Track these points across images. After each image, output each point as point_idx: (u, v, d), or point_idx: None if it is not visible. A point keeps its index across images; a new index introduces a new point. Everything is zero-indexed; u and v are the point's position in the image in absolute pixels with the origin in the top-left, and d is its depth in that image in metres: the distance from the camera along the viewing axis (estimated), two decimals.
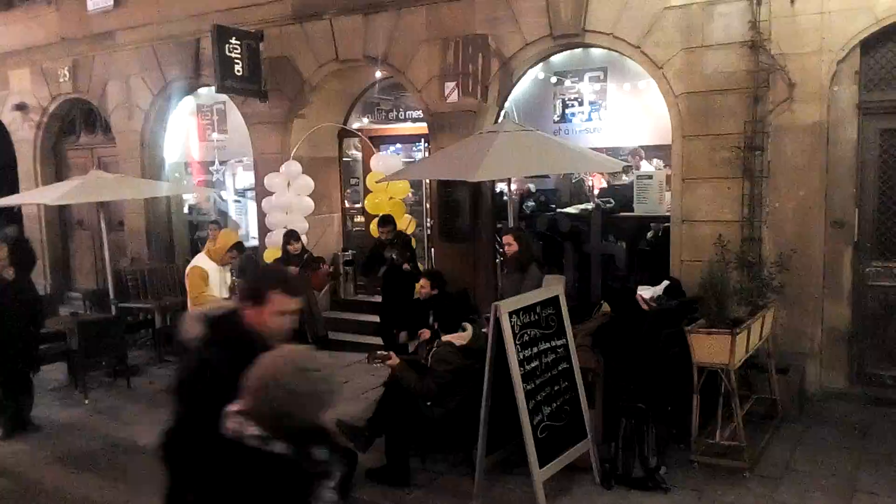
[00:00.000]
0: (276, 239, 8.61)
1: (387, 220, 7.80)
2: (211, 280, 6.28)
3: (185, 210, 11.47)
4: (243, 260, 6.75)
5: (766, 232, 6.63)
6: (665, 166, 8.03)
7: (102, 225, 8.80)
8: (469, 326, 5.38)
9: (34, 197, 10.31)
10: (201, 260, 6.40)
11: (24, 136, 12.41)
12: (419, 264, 8.42)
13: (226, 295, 6.39)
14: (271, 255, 8.59)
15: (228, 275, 6.48)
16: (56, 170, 12.44)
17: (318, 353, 2.24)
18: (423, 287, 6.53)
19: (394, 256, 7.42)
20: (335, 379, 2.17)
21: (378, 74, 9.04)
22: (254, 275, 2.89)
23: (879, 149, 6.48)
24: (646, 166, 8.35)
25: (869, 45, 6.36)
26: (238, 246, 6.45)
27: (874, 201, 6.52)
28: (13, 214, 11.24)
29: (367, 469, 5.22)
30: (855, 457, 5.35)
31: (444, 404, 5.20)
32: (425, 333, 5.97)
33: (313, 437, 2.14)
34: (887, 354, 6.54)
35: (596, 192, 8.97)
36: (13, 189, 12.15)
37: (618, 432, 5.12)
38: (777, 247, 6.50)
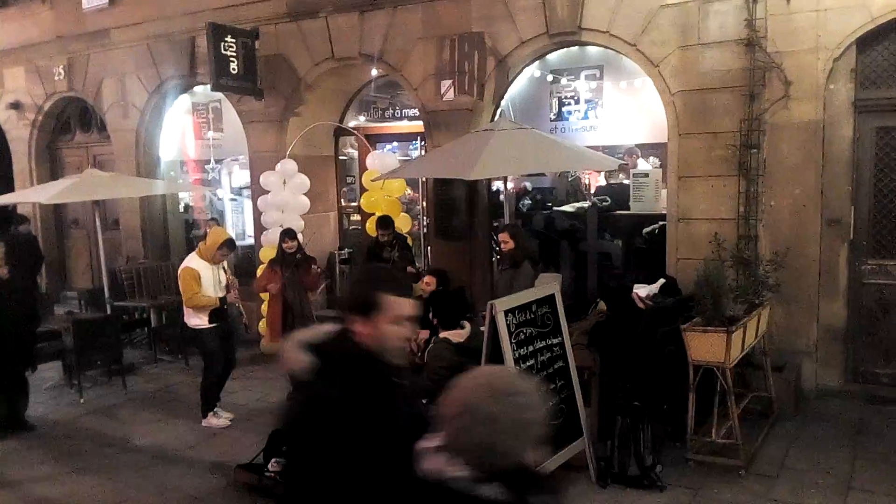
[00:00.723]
0: (272, 237, 8.59)
1: (386, 223, 7.77)
2: (203, 280, 6.26)
3: (181, 209, 11.44)
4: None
5: (761, 230, 6.63)
6: (661, 164, 8.03)
7: (98, 224, 8.77)
8: (468, 324, 5.37)
9: (29, 196, 10.28)
10: (192, 260, 6.37)
11: (19, 135, 12.37)
12: (416, 264, 8.43)
13: (221, 294, 6.37)
14: (267, 253, 8.56)
15: (223, 273, 6.47)
16: (51, 168, 12.41)
17: (519, 375, 1.91)
18: (427, 284, 6.52)
19: (395, 258, 7.42)
20: (540, 406, 1.84)
21: (374, 72, 9.02)
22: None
23: (875, 147, 6.48)
24: (642, 164, 8.35)
25: (865, 43, 6.36)
26: (228, 243, 6.42)
27: (870, 199, 6.53)
28: (23, 214, 11.20)
29: None
30: (850, 454, 5.36)
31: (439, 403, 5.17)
32: (423, 334, 5.95)
33: (526, 479, 1.80)
34: (883, 352, 6.56)
35: (592, 190, 8.97)
36: (8, 188, 12.11)
37: (614, 431, 5.12)
38: (773, 245, 6.50)
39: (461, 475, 1.74)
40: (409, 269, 7.35)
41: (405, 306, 2.14)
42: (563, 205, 8.69)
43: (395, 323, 2.11)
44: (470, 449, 1.74)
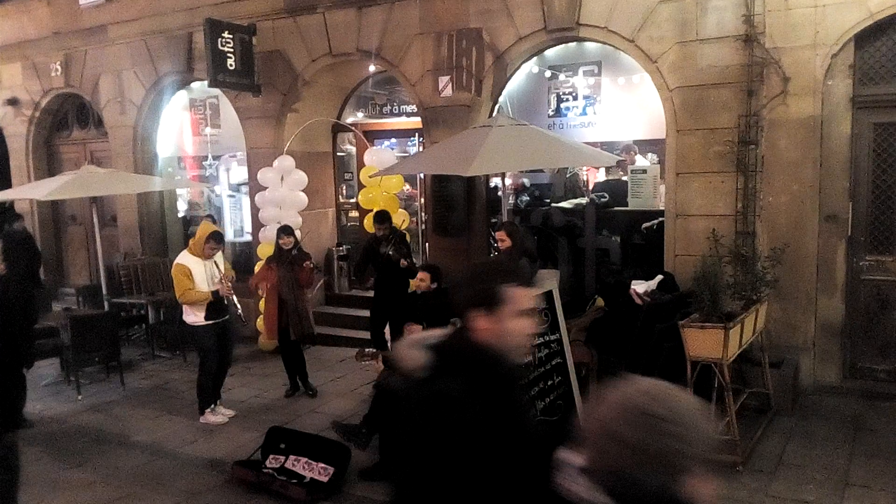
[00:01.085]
0: (269, 234, 8.58)
1: (383, 217, 7.75)
2: (195, 275, 6.26)
3: (183, 206, 11.39)
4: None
5: (759, 226, 6.63)
6: (659, 161, 8.01)
7: (95, 220, 8.76)
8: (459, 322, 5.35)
9: (26, 192, 10.25)
10: (183, 257, 6.39)
11: (16, 131, 12.34)
12: (413, 259, 8.41)
13: (214, 288, 6.33)
14: (265, 250, 8.56)
15: (215, 268, 6.43)
16: (48, 165, 12.39)
17: (679, 393, 1.62)
18: (422, 281, 6.52)
19: (390, 253, 7.40)
20: (701, 431, 1.59)
21: (372, 68, 9.00)
22: (472, 273, 2.13)
23: (873, 143, 6.48)
24: (640, 161, 8.34)
25: (863, 39, 6.36)
26: (214, 235, 6.41)
27: (868, 195, 6.53)
28: (14, 210, 11.18)
29: (360, 470, 5.21)
30: (848, 450, 5.36)
31: None
32: (416, 329, 5.95)
33: None
34: (880, 348, 6.56)
35: (591, 186, 8.96)
36: (5, 184, 12.09)
37: None
38: (771, 241, 6.50)
39: (603, 502, 1.55)
40: (403, 262, 7.33)
41: (528, 298, 2.03)
42: (561, 201, 8.68)
43: (519, 316, 2.01)
44: (612, 476, 1.55)
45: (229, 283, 6.45)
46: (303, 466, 5.15)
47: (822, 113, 6.43)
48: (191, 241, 6.51)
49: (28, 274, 10.34)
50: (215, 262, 6.44)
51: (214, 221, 10.14)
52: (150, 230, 11.01)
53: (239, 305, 6.62)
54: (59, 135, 12.47)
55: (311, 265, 7.18)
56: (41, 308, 8.98)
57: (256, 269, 8.71)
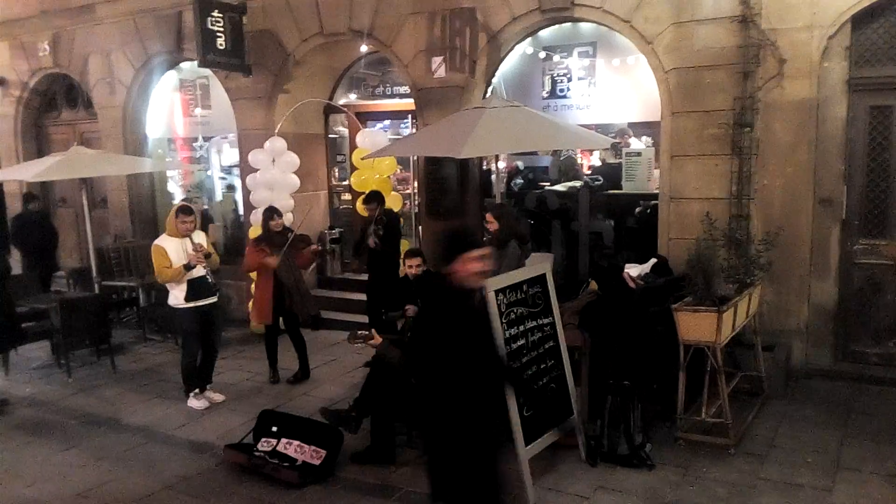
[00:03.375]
0: (260, 216, 8.50)
1: (370, 197, 7.70)
2: (171, 253, 6.18)
3: (178, 193, 11.28)
4: None
5: (754, 209, 6.60)
6: (653, 143, 7.97)
7: (85, 202, 8.66)
8: None
9: (13, 173, 10.13)
10: (160, 239, 6.36)
11: (5, 112, 12.18)
12: (406, 242, 8.36)
13: (185, 261, 6.24)
14: (256, 232, 8.49)
15: (190, 243, 6.30)
16: (37, 146, 12.24)
17: None
18: (410, 267, 6.48)
19: (374, 242, 7.45)
20: None
21: (364, 49, 8.89)
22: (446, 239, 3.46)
23: (869, 126, 6.44)
24: (635, 143, 8.29)
25: (860, 21, 6.30)
26: (182, 209, 6.38)
27: (863, 179, 6.50)
28: (33, 192, 11.06)
29: (352, 453, 5.20)
30: (839, 433, 5.37)
31: None
32: (411, 310, 5.92)
33: None
34: (872, 332, 6.57)
35: (586, 170, 8.91)
36: None
37: (604, 410, 5.12)
38: (765, 224, 6.48)
39: None
40: (371, 242, 7.41)
41: (477, 255, 3.37)
42: (558, 184, 8.63)
43: (470, 262, 3.34)
44: None
45: (201, 254, 6.28)
46: (295, 449, 5.12)
47: (817, 95, 6.38)
48: (166, 223, 6.45)
49: (40, 254, 10.24)
50: (191, 239, 6.34)
51: (204, 203, 10.06)
52: (140, 212, 10.91)
53: (211, 277, 6.47)
54: (48, 116, 12.32)
55: (318, 247, 7.12)
56: (33, 289, 8.94)
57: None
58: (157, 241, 6.35)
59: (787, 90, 6.41)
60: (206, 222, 9.42)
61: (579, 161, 9.03)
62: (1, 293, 6.67)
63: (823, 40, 6.28)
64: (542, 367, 4.91)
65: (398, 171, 9.34)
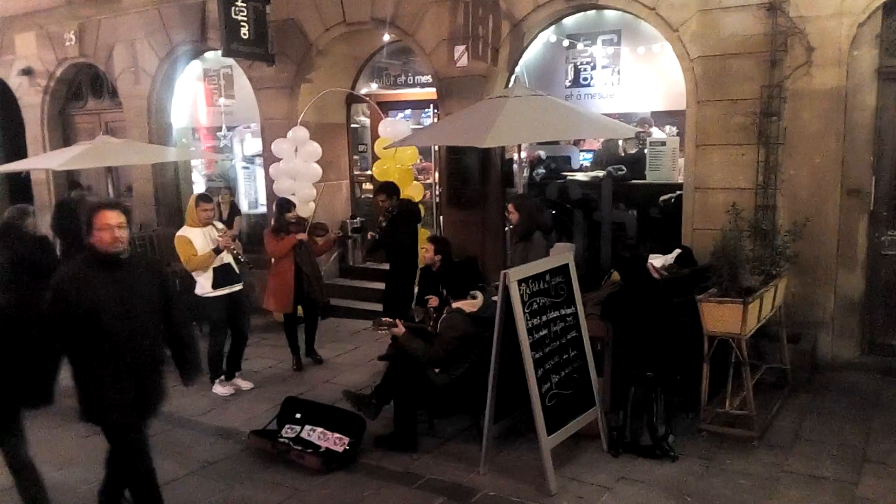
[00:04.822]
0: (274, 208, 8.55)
1: (380, 189, 7.70)
2: (196, 243, 6.27)
3: (201, 182, 11.35)
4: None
5: (780, 200, 6.52)
6: (678, 133, 7.88)
7: (110, 191, 8.77)
8: (479, 294, 5.34)
9: (41, 162, 10.27)
10: (182, 229, 6.44)
11: (31, 102, 12.35)
12: (426, 232, 8.37)
13: (213, 246, 6.32)
14: None
15: (214, 230, 6.41)
16: (63, 135, 12.41)
17: None
18: (427, 251, 6.51)
19: (371, 234, 7.51)
20: None
21: (386, 38, 8.88)
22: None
23: None
24: (656, 133, 8.20)
25: (891, 8, 6.18)
26: (201, 197, 6.48)
27: (891, 169, 6.39)
28: (77, 179, 11.19)
29: (375, 436, 5.25)
30: (865, 426, 5.32)
31: (452, 371, 5.20)
32: (434, 300, 5.94)
33: None
34: None
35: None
36: (21, 154, 12.13)
37: (626, 401, 5.10)
38: (791, 215, 6.40)
39: None
40: (370, 234, 7.45)
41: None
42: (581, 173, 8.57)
43: None
44: None
45: (229, 237, 6.41)
46: (318, 436, 5.18)
47: (846, 84, 6.28)
48: (186, 214, 6.54)
49: (80, 242, 10.33)
50: (214, 225, 6.46)
51: (231, 194, 10.13)
52: (165, 201, 11.03)
53: (243, 256, 6.60)
54: (74, 105, 12.47)
55: (339, 234, 7.19)
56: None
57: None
58: (179, 232, 6.43)
59: (816, 79, 6.31)
60: (233, 214, 9.48)
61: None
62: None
63: (853, 28, 6.17)
64: (564, 357, 4.90)
65: (420, 160, 9.34)
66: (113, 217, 3.62)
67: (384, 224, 7.48)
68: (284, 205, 7.14)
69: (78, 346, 3.63)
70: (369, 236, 7.57)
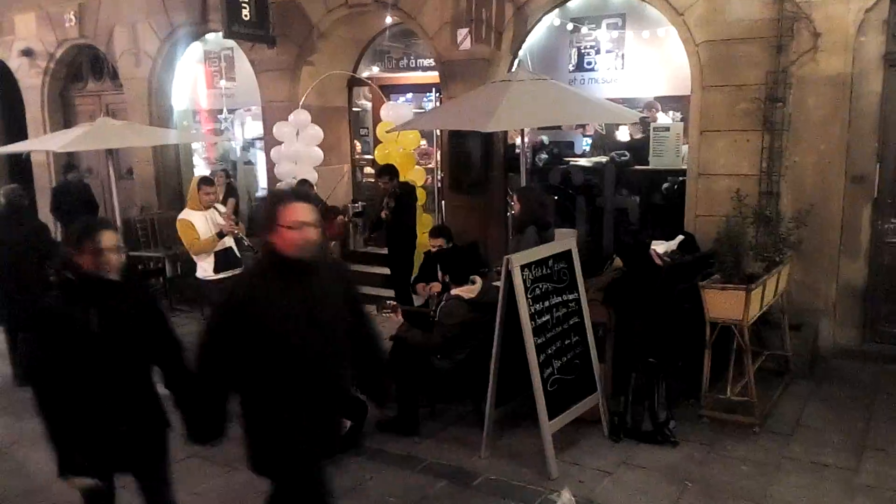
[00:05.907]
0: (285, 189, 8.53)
1: (383, 171, 7.70)
2: (198, 226, 6.22)
3: (203, 166, 11.32)
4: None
5: (784, 187, 6.49)
6: (682, 118, 7.84)
7: (111, 173, 8.73)
8: (479, 280, 5.33)
9: (41, 144, 10.22)
10: (184, 213, 6.37)
11: (32, 83, 12.28)
12: (428, 216, 8.36)
13: (216, 230, 6.29)
14: None
15: (217, 215, 6.38)
16: (64, 117, 12.35)
17: None
18: (434, 245, 6.50)
19: (385, 214, 7.49)
20: None
21: (388, 20, 8.81)
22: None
23: None
24: (662, 118, 8.16)
25: None
26: (203, 180, 6.43)
27: None
28: (73, 162, 11.15)
29: (377, 420, 5.25)
30: (866, 414, 5.32)
31: (452, 357, 5.20)
32: (436, 287, 5.93)
33: None
34: None
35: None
36: (22, 136, 12.08)
37: (628, 386, 5.11)
38: (795, 202, 6.37)
39: None
40: (383, 213, 7.44)
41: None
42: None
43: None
44: None
45: (233, 221, 6.39)
46: None
47: (852, 70, 6.23)
48: (188, 197, 6.50)
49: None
50: (216, 209, 6.41)
51: (228, 175, 10.10)
52: (166, 184, 11.00)
53: (247, 239, 6.58)
54: (74, 86, 12.40)
55: (346, 219, 7.19)
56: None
57: None
58: (181, 216, 6.37)
59: (822, 65, 6.26)
60: (229, 195, 9.46)
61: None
62: (41, 272, 6.76)
63: (860, 14, 6.11)
64: (566, 342, 4.90)
65: (422, 144, 9.30)
66: (306, 212, 2.77)
67: (392, 204, 7.47)
68: (301, 184, 7.16)
69: (253, 376, 2.79)
70: (383, 215, 7.54)
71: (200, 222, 6.27)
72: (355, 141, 10.30)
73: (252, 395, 2.82)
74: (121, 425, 3.07)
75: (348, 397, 3.16)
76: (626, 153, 8.00)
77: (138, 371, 3.16)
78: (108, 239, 3.07)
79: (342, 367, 2.96)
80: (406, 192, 7.68)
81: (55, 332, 2.92)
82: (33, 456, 5.15)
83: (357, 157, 10.34)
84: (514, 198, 6.23)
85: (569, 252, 5.09)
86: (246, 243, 6.57)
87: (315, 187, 8.45)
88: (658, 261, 5.98)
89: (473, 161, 8.18)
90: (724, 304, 5.03)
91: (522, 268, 4.61)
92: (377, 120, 9.14)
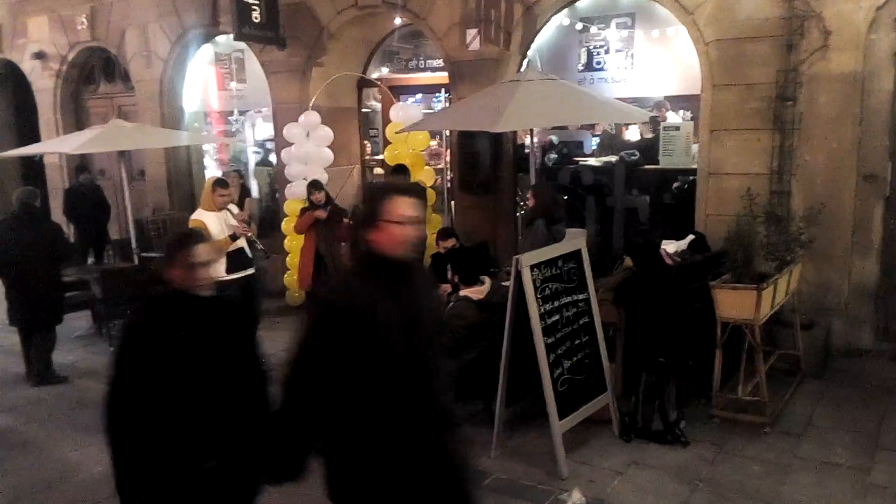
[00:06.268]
0: (295, 190, 8.57)
1: (398, 169, 7.72)
2: (211, 228, 6.24)
3: (214, 167, 11.38)
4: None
5: (795, 185, 6.46)
6: (692, 117, 7.82)
7: (123, 175, 8.80)
8: (487, 280, 5.34)
9: (55, 146, 10.31)
10: (196, 213, 6.42)
11: (44, 86, 12.38)
12: (437, 217, 8.37)
13: (230, 232, 6.34)
14: (291, 206, 8.57)
15: (229, 215, 6.42)
16: (76, 119, 12.44)
17: None
18: (445, 247, 6.52)
19: None
20: None
21: (398, 21, 8.83)
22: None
23: None
24: (672, 117, 8.14)
25: None
26: (218, 181, 6.45)
27: None
28: (85, 164, 11.25)
29: None
30: (878, 414, 5.29)
31: (461, 357, 5.19)
32: (446, 288, 5.95)
33: None
34: None
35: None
36: (35, 138, 12.19)
37: (638, 386, 5.10)
38: (806, 201, 6.34)
39: None
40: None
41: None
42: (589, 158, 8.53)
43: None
44: None
45: (244, 224, 6.42)
46: None
47: (863, 68, 6.20)
48: (201, 198, 6.54)
49: (93, 226, 10.43)
50: (229, 210, 6.45)
51: (241, 176, 10.15)
52: (178, 185, 11.06)
53: (259, 242, 6.64)
54: (86, 89, 12.50)
55: (350, 221, 7.24)
56: (77, 259, 9.12)
57: (283, 226, 8.74)
58: (194, 216, 6.42)
59: (833, 63, 6.23)
60: (243, 196, 9.52)
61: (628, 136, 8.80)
62: (54, 273, 6.84)
63: (871, 11, 6.08)
64: (576, 342, 4.91)
65: (432, 144, 9.31)
66: (412, 206, 2.44)
67: None
68: (309, 187, 7.21)
69: (350, 398, 2.36)
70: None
71: (213, 223, 6.31)
72: (365, 142, 10.33)
73: (345, 420, 2.39)
74: (209, 461, 2.72)
75: (453, 420, 2.62)
76: (636, 153, 7.98)
77: (231, 398, 2.79)
78: (202, 253, 2.82)
79: (445, 383, 2.59)
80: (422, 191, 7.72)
81: (142, 349, 2.69)
82: (49, 453, 5.21)
83: (367, 157, 10.36)
84: (529, 194, 6.27)
85: (578, 252, 5.09)
86: (258, 246, 6.63)
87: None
88: (668, 260, 5.98)
89: (483, 161, 8.19)
90: (735, 303, 5.02)
91: (532, 268, 4.62)
92: (387, 121, 9.17)
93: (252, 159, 11.08)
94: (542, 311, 4.63)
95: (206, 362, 2.71)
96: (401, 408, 2.39)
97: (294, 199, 8.58)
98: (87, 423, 5.72)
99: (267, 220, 9.97)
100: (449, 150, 9.00)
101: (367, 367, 2.33)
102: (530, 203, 6.17)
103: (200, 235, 3.00)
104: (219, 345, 2.78)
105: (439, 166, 9.50)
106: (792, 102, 6.35)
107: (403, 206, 2.41)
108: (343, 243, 7.39)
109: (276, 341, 7.98)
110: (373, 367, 2.33)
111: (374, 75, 9.88)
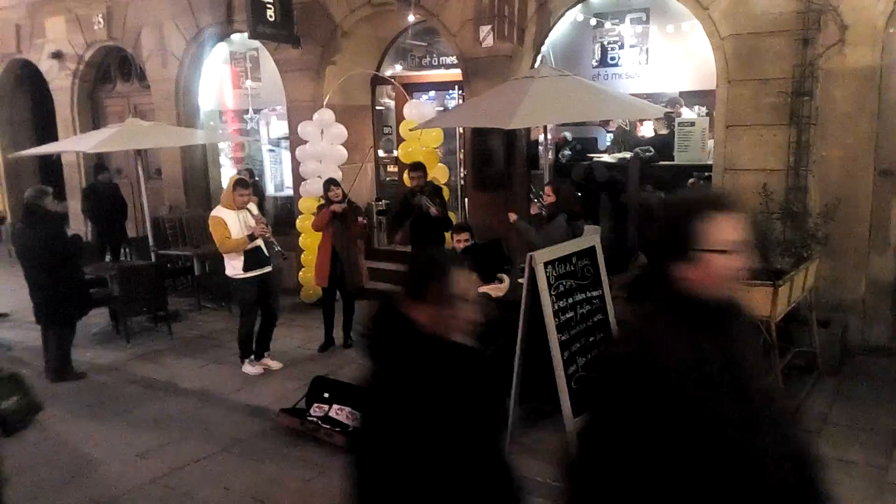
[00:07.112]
0: (310, 188, 8.61)
1: (416, 166, 7.73)
2: (230, 225, 6.35)
3: (229, 165, 11.44)
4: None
5: (811, 181, 6.41)
6: (707, 113, 7.78)
7: (140, 173, 8.88)
8: (506, 278, 5.35)
9: (72, 145, 10.42)
10: (217, 210, 6.52)
11: (61, 85, 12.51)
12: (451, 214, 8.36)
13: (249, 232, 6.40)
14: (306, 203, 8.62)
15: (249, 216, 6.50)
16: (93, 118, 12.57)
17: None
18: (459, 241, 6.51)
19: (423, 204, 7.36)
20: None
21: (411, 18, 8.83)
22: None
23: None
24: (686, 113, 8.10)
25: None
26: (239, 182, 6.55)
27: None
28: (103, 163, 11.35)
29: None
30: (895, 412, 5.25)
31: None
32: None
33: None
34: None
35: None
36: (52, 137, 12.32)
37: None
38: (823, 197, 6.30)
39: None
40: (433, 211, 7.28)
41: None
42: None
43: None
44: None
45: (264, 224, 6.51)
46: (346, 416, 5.23)
47: (880, 63, 6.14)
48: (222, 196, 6.63)
49: (111, 224, 10.53)
50: (248, 210, 6.53)
51: (252, 175, 10.21)
52: (194, 183, 11.15)
53: (277, 244, 6.71)
54: (103, 88, 12.62)
55: (364, 220, 7.26)
56: (95, 257, 9.22)
57: (297, 223, 8.78)
58: (213, 213, 6.51)
59: (849, 57, 6.18)
60: (255, 196, 9.57)
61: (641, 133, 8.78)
62: (73, 269, 6.90)
63: (889, 5, 6.03)
64: (591, 339, 4.90)
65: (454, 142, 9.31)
66: (734, 227, 1.80)
67: (437, 199, 7.40)
68: (326, 184, 7.25)
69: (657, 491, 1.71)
70: (435, 212, 7.37)
71: (232, 221, 6.39)
72: (379, 139, 10.35)
73: None
74: None
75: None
76: (651, 149, 7.96)
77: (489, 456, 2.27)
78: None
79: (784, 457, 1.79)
80: (437, 190, 7.72)
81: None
82: (67, 449, 5.28)
83: (381, 155, 10.39)
84: (548, 189, 6.25)
85: (592, 249, 5.09)
86: (276, 248, 6.70)
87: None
88: None
89: (496, 158, 8.19)
90: (751, 300, 4.96)
91: (546, 264, 4.62)
92: (400, 118, 9.18)
93: (267, 158, 11.15)
94: (556, 307, 4.64)
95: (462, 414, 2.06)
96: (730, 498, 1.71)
97: (308, 196, 8.62)
98: (104, 419, 5.81)
99: (280, 218, 10.03)
100: (462, 148, 9.00)
101: (688, 445, 1.70)
102: (549, 199, 6.15)
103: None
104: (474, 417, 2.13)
105: (453, 162, 9.49)
106: (808, 97, 6.30)
107: (726, 228, 1.78)
108: (359, 240, 7.41)
109: (292, 338, 8.09)
110: (697, 444, 1.70)
111: (388, 73, 9.90)
